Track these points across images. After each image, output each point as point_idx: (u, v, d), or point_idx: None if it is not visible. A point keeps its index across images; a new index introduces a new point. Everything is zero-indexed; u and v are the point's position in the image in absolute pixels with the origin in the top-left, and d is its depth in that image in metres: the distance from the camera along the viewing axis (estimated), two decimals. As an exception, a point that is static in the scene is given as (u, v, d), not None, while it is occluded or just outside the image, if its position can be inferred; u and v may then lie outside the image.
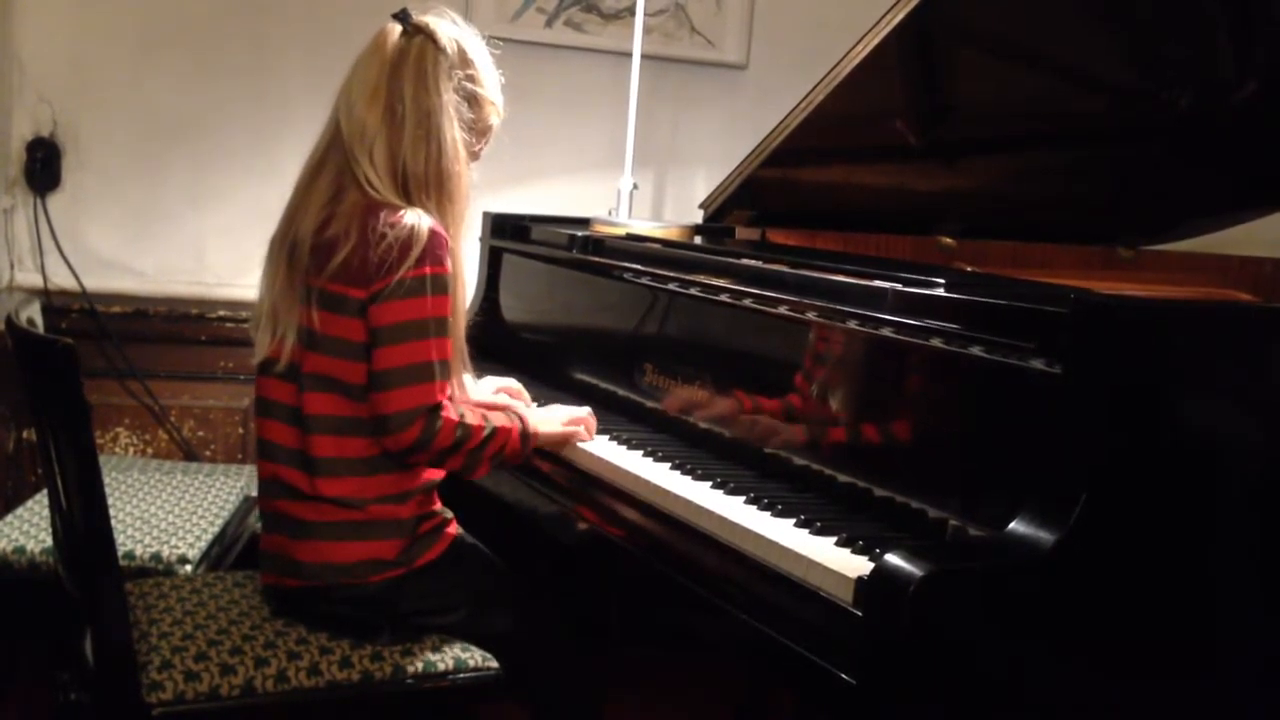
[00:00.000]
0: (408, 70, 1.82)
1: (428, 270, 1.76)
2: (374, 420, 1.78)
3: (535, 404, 2.19)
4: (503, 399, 2.12)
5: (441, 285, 1.78)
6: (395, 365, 1.76)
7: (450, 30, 1.87)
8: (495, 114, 1.93)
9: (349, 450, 1.80)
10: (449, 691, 1.85)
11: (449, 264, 1.80)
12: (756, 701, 2.49)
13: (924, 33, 2.21)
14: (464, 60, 1.86)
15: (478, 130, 1.90)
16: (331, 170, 1.84)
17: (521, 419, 1.92)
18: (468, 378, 1.96)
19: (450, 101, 1.83)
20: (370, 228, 1.76)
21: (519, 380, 2.24)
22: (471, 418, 1.82)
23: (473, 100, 1.88)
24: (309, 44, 3.16)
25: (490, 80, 1.91)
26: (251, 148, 3.16)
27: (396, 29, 1.85)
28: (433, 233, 1.78)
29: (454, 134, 1.84)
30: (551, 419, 2.02)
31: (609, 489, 1.94)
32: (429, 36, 1.84)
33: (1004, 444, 1.54)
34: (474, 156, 1.93)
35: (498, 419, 1.87)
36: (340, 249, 1.77)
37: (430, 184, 1.83)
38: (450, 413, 1.79)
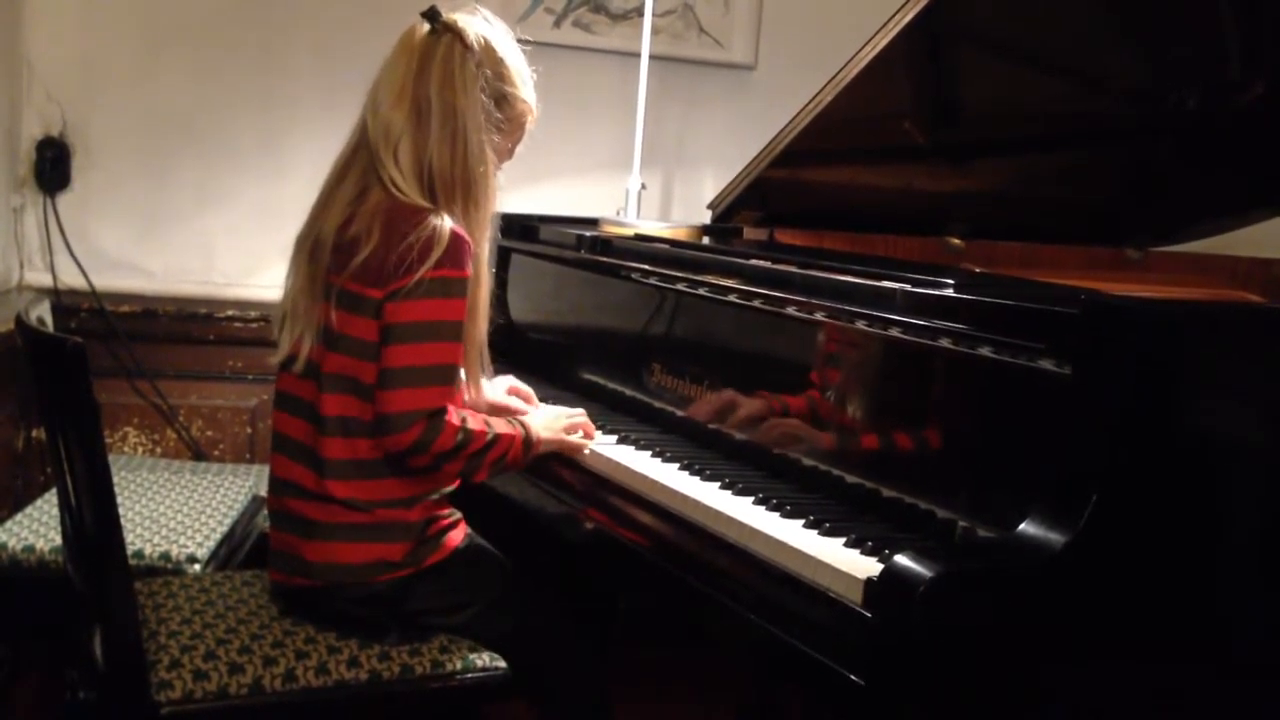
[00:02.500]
0: (434, 69, 1.81)
1: (446, 273, 1.75)
2: (374, 419, 1.77)
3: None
4: (515, 402, 2.12)
5: (459, 289, 1.77)
6: (402, 365, 1.75)
7: (479, 28, 1.85)
8: (528, 112, 1.92)
9: (358, 452, 1.80)
10: (457, 691, 1.85)
11: (469, 269, 1.79)
12: (761, 702, 2.49)
13: (933, 33, 2.21)
14: (493, 59, 1.85)
15: (509, 130, 1.89)
16: (358, 170, 1.84)
17: (525, 426, 1.90)
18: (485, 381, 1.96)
19: (478, 102, 1.82)
20: (393, 228, 1.76)
21: (527, 380, 2.25)
22: (473, 423, 1.81)
23: (502, 99, 1.86)
24: (317, 44, 3.16)
25: (522, 78, 1.90)
26: (260, 148, 3.16)
27: (424, 27, 1.84)
28: (455, 235, 1.77)
29: (480, 135, 1.82)
30: (553, 425, 1.99)
31: (617, 490, 1.94)
32: (457, 35, 1.82)
33: (1013, 445, 1.54)
34: (507, 155, 1.92)
35: (499, 426, 1.86)
36: (362, 248, 1.76)
37: (456, 186, 1.82)
38: (453, 417, 1.78)
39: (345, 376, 1.79)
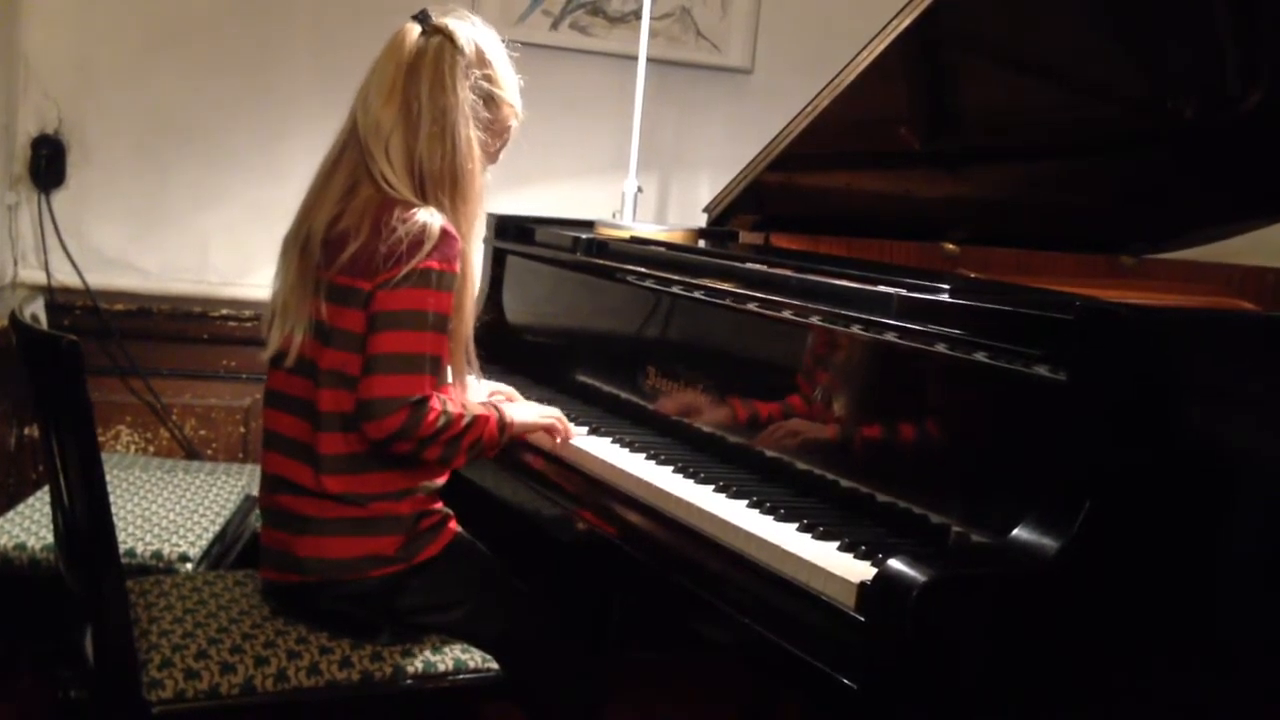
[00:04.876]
0: (425, 69, 1.83)
1: (435, 265, 1.77)
2: (356, 405, 1.77)
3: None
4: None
5: (446, 283, 1.79)
6: (386, 351, 1.76)
7: (468, 31, 1.88)
8: (513, 115, 1.94)
9: (355, 446, 1.80)
10: (449, 692, 1.85)
11: (457, 265, 1.80)
12: (759, 704, 2.49)
13: (930, 39, 2.21)
14: (481, 60, 1.87)
15: (495, 130, 1.91)
16: (347, 167, 1.85)
17: (498, 408, 1.92)
18: (470, 379, 1.97)
19: (466, 100, 1.84)
20: (383, 222, 1.77)
21: (521, 383, 2.25)
22: (452, 407, 1.82)
23: (489, 100, 1.88)
24: (314, 43, 3.16)
25: (508, 81, 1.92)
26: (256, 147, 3.16)
27: (415, 29, 1.86)
28: (444, 231, 1.78)
29: (469, 132, 1.85)
30: (526, 409, 2.03)
31: (611, 491, 1.94)
32: (447, 36, 1.85)
33: (1007, 450, 1.54)
34: (492, 158, 1.94)
35: (475, 408, 1.87)
36: (351, 243, 1.78)
37: (445, 182, 1.84)
38: (435, 403, 1.79)
39: (340, 372, 1.79)
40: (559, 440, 2.07)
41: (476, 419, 1.85)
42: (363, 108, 1.85)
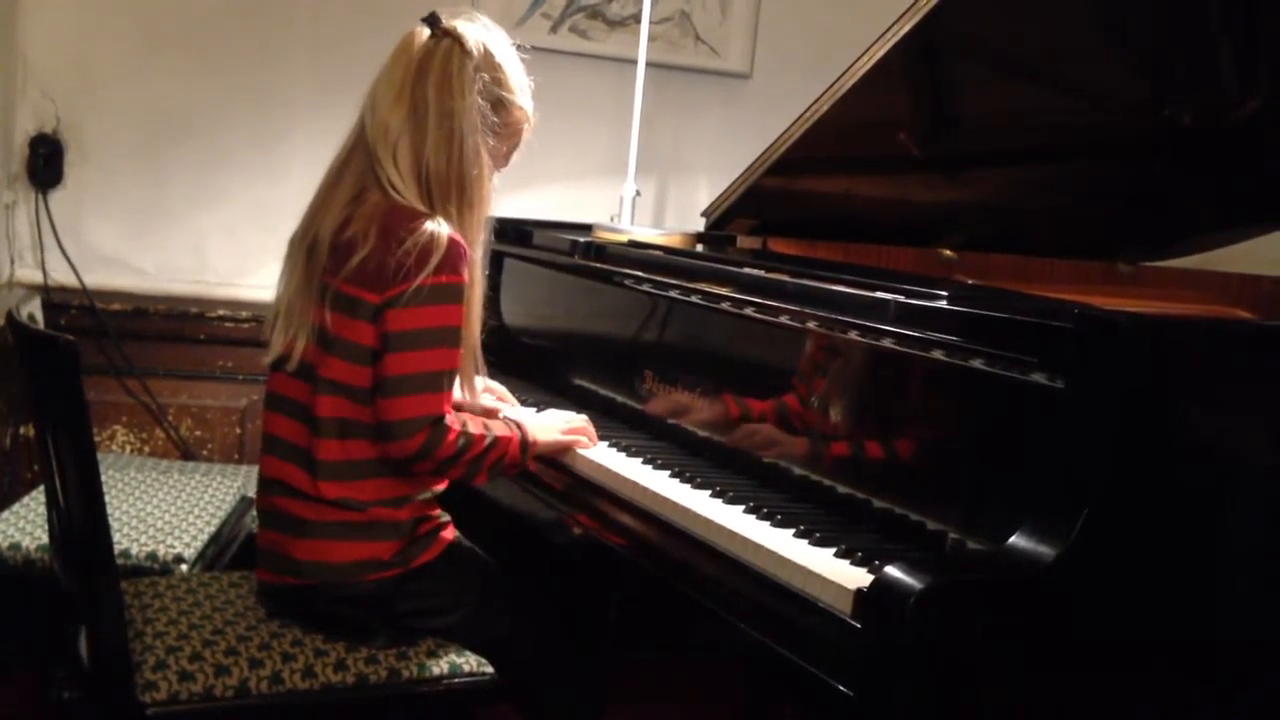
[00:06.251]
0: (433, 72, 1.82)
1: (444, 279, 1.76)
2: (378, 426, 1.77)
3: (533, 409, 2.19)
4: (488, 400, 2.13)
5: (456, 295, 1.78)
6: (404, 373, 1.76)
7: (478, 34, 1.87)
8: (525, 118, 1.93)
9: (353, 453, 1.80)
10: (444, 695, 1.84)
11: (465, 274, 1.79)
12: (753, 708, 2.49)
13: (929, 45, 2.21)
14: (490, 64, 1.86)
15: (504, 135, 1.90)
16: (355, 171, 1.84)
17: (520, 428, 1.91)
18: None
19: (474, 104, 1.83)
20: (390, 231, 1.76)
21: (518, 385, 2.24)
22: (474, 427, 1.82)
23: (498, 104, 1.88)
24: (314, 44, 3.16)
25: (519, 84, 1.91)
26: (255, 147, 3.16)
27: (425, 32, 1.85)
28: (452, 241, 1.77)
29: (476, 137, 1.84)
30: (549, 427, 2.01)
31: (607, 496, 1.94)
32: (456, 39, 1.84)
33: (1005, 457, 1.54)
34: (503, 162, 1.93)
35: (498, 428, 1.87)
36: (358, 250, 1.77)
37: (452, 187, 1.83)
38: (453, 423, 1.79)
39: (340, 381, 1.79)
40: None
41: (498, 440, 1.85)
42: (371, 110, 1.85)
